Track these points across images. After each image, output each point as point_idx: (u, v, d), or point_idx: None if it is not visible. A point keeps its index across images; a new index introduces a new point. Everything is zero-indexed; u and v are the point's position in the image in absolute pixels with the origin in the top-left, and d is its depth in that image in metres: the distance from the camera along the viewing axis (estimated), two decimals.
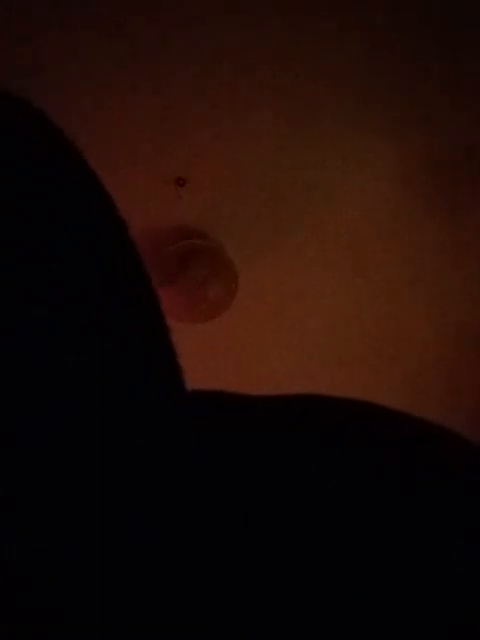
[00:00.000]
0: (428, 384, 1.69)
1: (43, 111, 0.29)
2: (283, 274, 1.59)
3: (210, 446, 0.26)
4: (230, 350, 1.65)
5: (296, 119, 1.32)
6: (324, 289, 1.62)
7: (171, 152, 1.37)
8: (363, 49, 1.22)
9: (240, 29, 1.18)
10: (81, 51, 1.16)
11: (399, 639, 0.23)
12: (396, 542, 0.23)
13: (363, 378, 1.68)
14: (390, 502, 0.24)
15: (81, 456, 0.25)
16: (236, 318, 1.54)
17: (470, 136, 1.36)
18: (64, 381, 0.25)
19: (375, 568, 0.23)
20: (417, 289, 1.62)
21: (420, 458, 0.26)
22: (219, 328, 1.54)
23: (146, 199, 1.39)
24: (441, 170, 1.41)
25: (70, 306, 0.26)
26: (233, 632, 0.23)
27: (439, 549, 0.23)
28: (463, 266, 1.57)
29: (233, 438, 0.26)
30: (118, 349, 0.27)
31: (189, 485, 0.25)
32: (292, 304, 1.63)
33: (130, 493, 0.25)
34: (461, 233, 1.51)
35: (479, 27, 1.17)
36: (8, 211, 0.25)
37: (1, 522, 0.24)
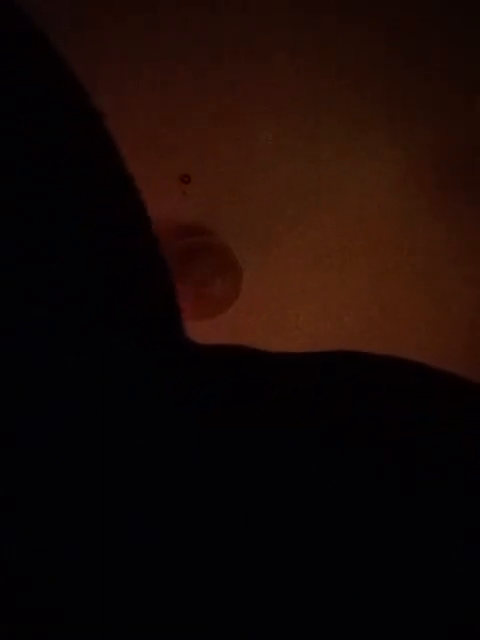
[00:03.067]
0: None
1: None
2: (288, 271, 1.59)
3: (213, 442, 0.25)
4: None
5: (301, 118, 1.32)
6: (328, 287, 1.62)
7: (176, 149, 1.36)
8: (366, 47, 1.21)
9: (243, 28, 1.18)
10: (83, 50, 1.16)
11: (399, 639, 0.23)
12: (397, 541, 0.23)
13: None
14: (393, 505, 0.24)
15: (81, 456, 0.25)
16: (240, 315, 1.54)
17: (476, 136, 1.35)
18: (64, 381, 0.25)
19: (375, 568, 0.23)
20: (421, 288, 1.62)
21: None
22: (223, 325, 1.54)
23: (150, 196, 1.39)
24: (446, 170, 1.41)
25: (70, 305, 0.26)
26: (233, 632, 0.23)
27: (439, 548, 0.23)
28: (467, 265, 1.56)
29: (237, 434, 0.26)
30: (119, 348, 0.27)
31: (189, 485, 0.25)
32: (296, 301, 1.62)
33: (130, 493, 0.25)
34: (465, 233, 1.51)
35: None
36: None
37: (1, 522, 0.24)
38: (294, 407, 0.28)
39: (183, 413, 0.27)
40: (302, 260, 1.57)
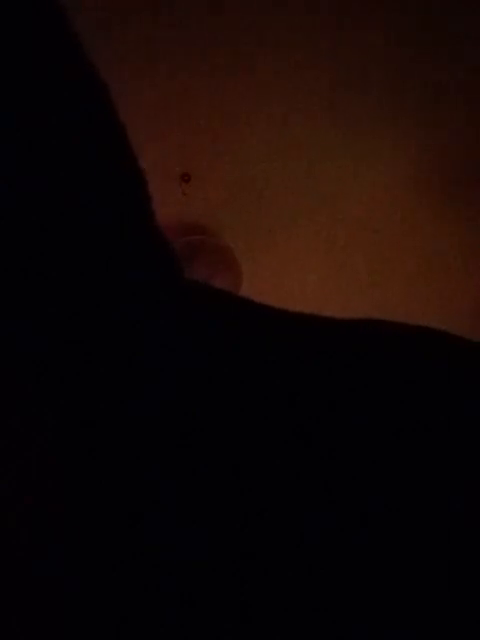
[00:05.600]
0: None
1: None
2: (287, 271, 1.59)
3: (209, 435, 0.25)
4: None
5: (302, 118, 1.32)
6: (328, 287, 1.62)
7: (175, 148, 1.36)
8: (367, 48, 1.21)
9: (243, 29, 1.18)
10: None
11: (399, 632, 0.23)
12: (397, 534, 0.23)
13: None
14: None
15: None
16: None
17: (477, 138, 1.35)
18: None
19: (375, 566, 0.23)
20: (421, 289, 1.62)
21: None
22: None
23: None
24: (449, 170, 1.41)
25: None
26: (233, 629, 0.23)
27: (440, 542, 0.23)
28: (470, 265, 1.56)
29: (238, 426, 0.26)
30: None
31: (187, 483, 0.25)
32: (295, 301, 1.63)
33: (128, 492, 0.25)
34: (467, 233, 1.51)
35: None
36: None
37: None
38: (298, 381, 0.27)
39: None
40: (302, 260, 1.58)
